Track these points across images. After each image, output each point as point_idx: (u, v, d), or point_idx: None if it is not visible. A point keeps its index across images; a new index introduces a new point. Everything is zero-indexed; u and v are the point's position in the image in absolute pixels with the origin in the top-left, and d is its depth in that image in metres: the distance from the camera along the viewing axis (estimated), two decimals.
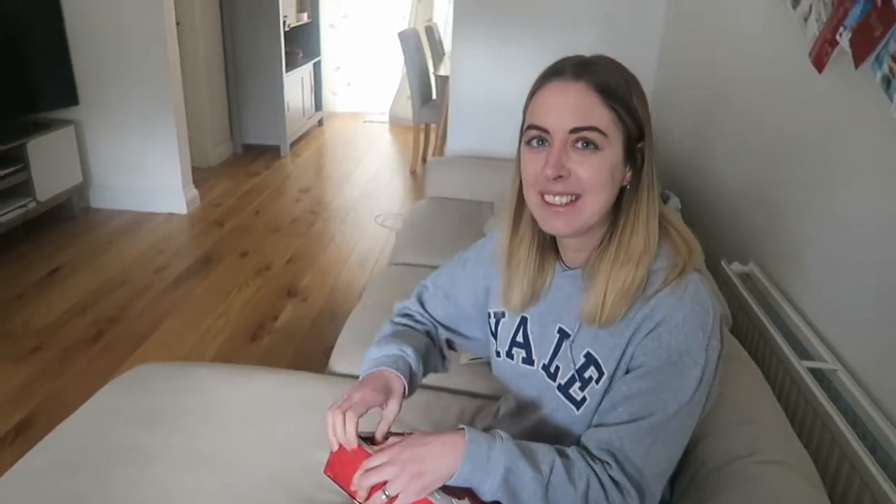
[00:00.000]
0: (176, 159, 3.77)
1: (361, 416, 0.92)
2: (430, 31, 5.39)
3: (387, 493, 0.82)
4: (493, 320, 1.09)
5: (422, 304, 1.20)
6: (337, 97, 6.64)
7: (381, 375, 1.01)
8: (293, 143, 5.34)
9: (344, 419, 0.89)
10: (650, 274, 0.89)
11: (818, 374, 1.33)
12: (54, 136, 3.45)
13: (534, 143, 0.90)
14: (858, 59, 1.21)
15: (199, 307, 2.84)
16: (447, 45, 5.56)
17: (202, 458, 1.32)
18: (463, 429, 0.86)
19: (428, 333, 1.17)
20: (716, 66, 2.29)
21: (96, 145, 3.77)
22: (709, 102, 2.31)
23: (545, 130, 0.88)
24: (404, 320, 1.19)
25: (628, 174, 0.91)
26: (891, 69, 1.13)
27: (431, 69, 5.08)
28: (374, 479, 0.83)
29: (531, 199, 0.92)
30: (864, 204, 1.31)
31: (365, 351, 1.77)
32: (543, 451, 0.86)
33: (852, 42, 1.24)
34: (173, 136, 3.72)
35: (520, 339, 1.04)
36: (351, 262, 3.37)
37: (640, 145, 0.91)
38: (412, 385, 1.03)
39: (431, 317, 1.19)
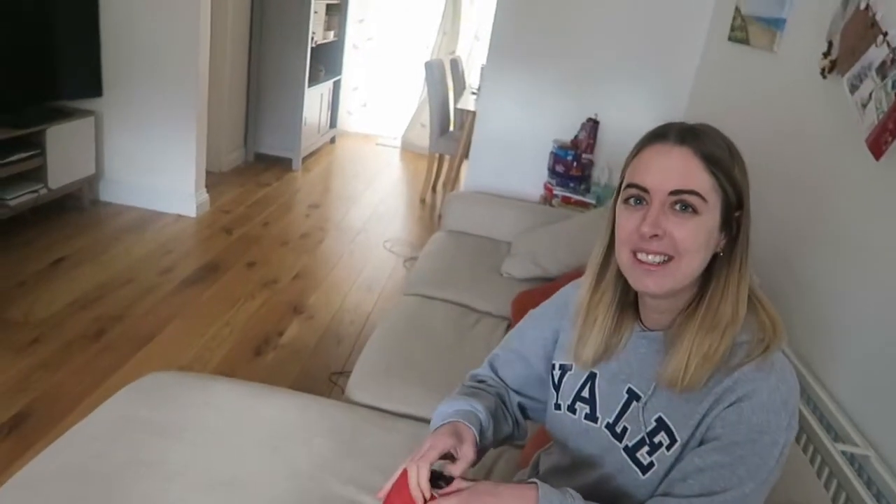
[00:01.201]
0: (191, 161, 3.75)
1: (433, 463, 0.90)
2: (455, 63, 5.45)
3: None
4: (557, 371, 1.08)
5: (493, 370, 1.20)
6: (352, 117, 6.66)
7: (451, 425, 1.00)
8: (305, 158, 5.34)
9: (417, 470, 0.88)
10: (734, 346, 0.88)
11: (850, 459, 1.32)
12: (74, 126, 3.43)
13: (632, 201, 0.91)
14: None
15: (203, 314, 2.80)
16: (468, 78, 5.63)
17: (221, 480, 1.29)
18: (535, 483, 0.85)
19: (499, 396, 1.15)
20: (750, 135, 2.32)
21: (113, 139, 3.75)
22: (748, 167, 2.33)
23: (645, 190, 0.89)
24: (475, 383, 1.18)
25: (723, 241, 0.91)
26: None
27: (452, 101, 5.12)
28: None
29: (623, 256, 0.92)
30: None
31: (386, 380, 1.78)
32: None
33: None
34: (192, 139, 3.71)
35: (585, 394, 1.02)
36: (359, 285, 3.34)
37: (737, 214, 0.91)
38: (482, 440, 1.01)
39: (503, 381, 1.18)
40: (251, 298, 3.01)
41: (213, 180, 4.38)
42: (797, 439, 1.46)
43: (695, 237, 0.87)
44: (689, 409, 0.89)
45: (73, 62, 3.44)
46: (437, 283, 2.39)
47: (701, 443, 0.88)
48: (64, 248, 3.18)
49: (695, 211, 0.87)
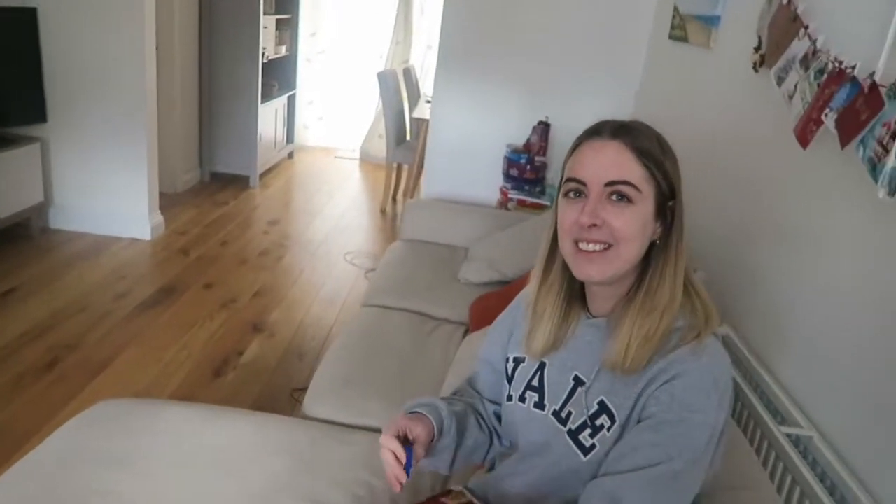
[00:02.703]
0: (143, 183, 3.69)
1: (396, 434, 0.96)
2: (408, 73, 5.46)
3: None
4: (510, 364, 1.11)
5: (471, 384, 1.23)
6: (308, 131, 6.63)
7: (411, 414, 1.05)
8: (262, 174, 5.29)
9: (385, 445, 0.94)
10: (671, 332, 0.92)
11: (794, 441, 1.36)
12: (18, 153, 3.35)
13: (571, 194, 0.97)
14: (844, 141, 1.27)
15: (160, 338, 2.75)
16: (422, 87, 5.65)
17: None
18: None
19: (473, 406, 1.18)
20: (694, 130, 2.37)
21: (61, 164, 3.67)
22: (687, 162, 2.38)
23: (583, 183, 0.94)
24: (450, 395, 1.22)
25: (659, 230, 0.97)
26: (876, 152, 1.18)
27: (407, 110, 5.13)
28: None
29: (565, 247, 0.97)
30: (842, 276, 1.36)
31: (343, 393, 1.77)
32: None
33: (838, 124, 1.30)
34: (143, 160, 3.65)
35: (535, 383, 1.06)
36: (320, 299, 3.32)
37: (670, 204, 0.96)
38: (443, 434, 1.05)
39: (479, 393, 1.20)
40: (209, 320, 2.96)
41: (169, 202, 4.32)
42: (744, 424, 1.50)
43: (631, 225, 0.92)
44: (627, 391, 0.93)
45: (14, 88, 3.37)
46: (395, 293, 2.39)
47: (637, 423, 0.91)
48: (13, 278, 3.10)
49: (630, 200, 0.93)
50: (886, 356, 1.20)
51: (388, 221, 4.68)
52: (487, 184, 3.31)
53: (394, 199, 5.02)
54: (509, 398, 1.09)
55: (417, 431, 0.99)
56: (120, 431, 1.46)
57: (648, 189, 0.94)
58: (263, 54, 4.99)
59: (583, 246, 0.94)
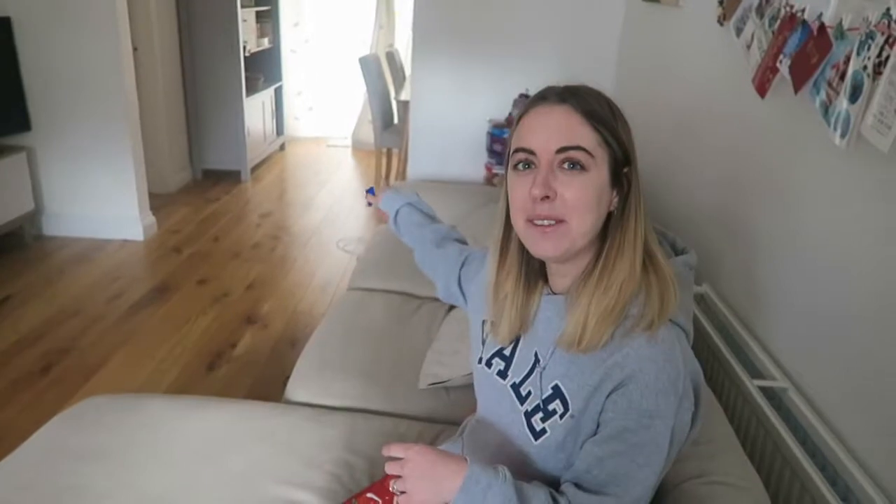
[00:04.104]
0: (132, 185, 3.70)
1: None
2: (392, 56, 5.43)
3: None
4: (487, 326, 1.06)
5: (459, 242, 1.36)
6: (299, 122, 6.62)
7: None
8: (254, 168, 5.29)
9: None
10: (626, 316, 0.87)
11: (769, 393, 1.35)
12: (4, 163, 3.36)
13: (520, 166, 0.90)
14: (797, 86, 1.25)
15: (154, 337, 2.77)
16: (407, 70, 5.61)
17: (153, 497, 1.28)
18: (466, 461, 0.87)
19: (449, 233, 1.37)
20: (670, 92, 2.35)
21: (49, 172, 3.68)
22: (662, 127, 2.36)
23: (531, 152, 0.88)
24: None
25: (615, 199, 0.90)
26: (828, 95, 1.16)
27: (393, 94, 5.10)
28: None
29: (519, 224, 0.92)
30: (811, 226, 1.35)
31: (324, 377, 1.77)
32: (540, 498, 0.84)
33: (791, 69, 1.28)
34: (129, 163, 3.65)
35: (507, 352, 1.02)
36: (313, 287, 3.33)
37: (626, 170, 0.91)
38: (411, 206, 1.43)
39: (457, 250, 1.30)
40: (203, 315, 2.98)
41: (160, 202, 4.33)
42: (714, 378, 1.49)
43: (585, 194, 0.86)
44: (582, 380, 0.89)
45: None
46: (379, 275, 2.39)
47: (597, 426, 0.88)
48: (8, 286, 3.13)
49: (583, 168, 0.87)
50: (856, 305, 1.19)
51: None
52: (472, 161, 3.30)
53: (387, 183, 5.01)
54: (479, 360, 1.06)
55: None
56: (101, 427, 1.47)
57: (602, 154, 0.88)
58: (245, 48, 4.96)
59: (536, 223, 0.88)
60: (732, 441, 1.09)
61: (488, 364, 1.04)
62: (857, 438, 1.15)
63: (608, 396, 0.86)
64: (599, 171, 0.88)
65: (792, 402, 1.31)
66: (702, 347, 1.62)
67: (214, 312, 3.01)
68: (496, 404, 1.02)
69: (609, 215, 0.91)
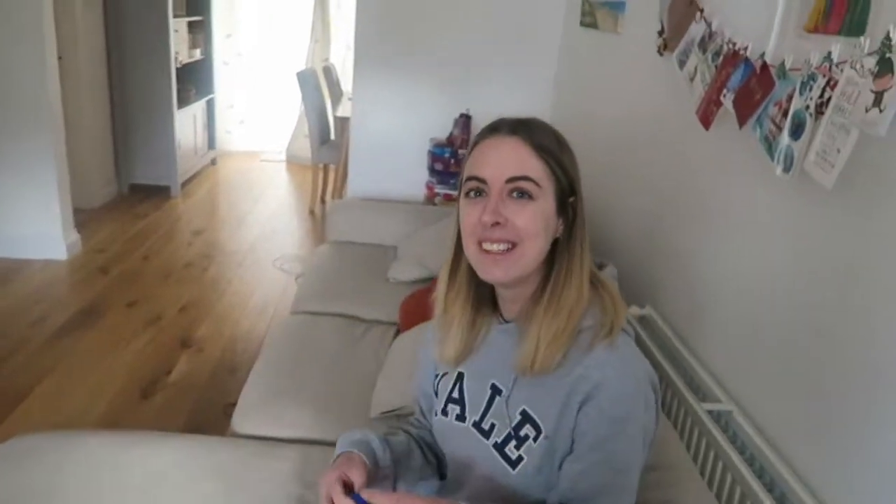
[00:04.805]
0: (55, 202, 3.51)
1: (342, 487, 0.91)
2: (328, 71, 5.38)
3: None
4: (436, 380, 1.09)
5: (419, 415, 1.20)
6: (231, 135, 6.45)
7: (340, 457, 1.00)
8: (184, 183, 5.11)
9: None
10: (579, 332, 0.91)
11: (716, 416, 1.39)
12: None
13: (472, 194, 0.94)
14: (741, 120, 1.31)
15: (83, 363, 2.63)
16: (344, 85, 5.57)
17: None
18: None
19: (421, 437, 1.15)
20: (609, 117, 2.41)
21: None
22: (607, 147, 2.42)
23: (483, 181, 0.92)
24: (401, 424, 1.20)
25: (561, 227, 0.95)
26: (771, 131, 1.22)
27: (330, 109, 5.05)
28: None
29: (470, 248, 0.95)
30: (751, 254, 1.41)
31: (274, 407, 1.72)
32: None
33: (735, 104, 1.34)
34: (52, 177, 3.46)
35: (455, 395, 1.04)
36: (250, 309, 3.24)
37: (571, 200, 0.96)
38: (379, 465, 1.01)
39: (425, 422, 1.18)
40: (134, 339, 2.84)
41: (85, 218, 4.12)
42: (668, 403, 1.53)
43: (534, 222, 0.91)
44: (549, 400, 0.91)
45: None
46: (323, 298, 2.35)
47: (572, 442, 0.90)
48: None
49: (531, 197, 0.91)
50: (792, 330, 1.24)
51: (318, 223, 4.60)
52: (413, 180, 3.29)
53: (322, 200, 4.94)
54: (436, 413, 1.07)
55: (355, 476, 0.93)
56: (34, 468, 1.38)
57: (548, 185, 0.93)
58: (176, 58, 4.81)
59: (487, 246, 0.92)
60: (690, 466, 1.12)
61: (444, 413, 1.05)
62: (800, 459, 1.20)
63: (579, 410, 0.89)
64: (546, 200, 0.93)
65: (738, 423, 1.35)
66: None
67: (147, 337, 2.88)
68: (465, 448, 1.02)
69: (555, 242, 0.96)
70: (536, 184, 0.91)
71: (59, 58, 3.56)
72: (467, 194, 0.95)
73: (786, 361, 1.26)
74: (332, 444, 1.57)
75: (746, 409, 1.37)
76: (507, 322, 1.01)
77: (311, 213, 4.79)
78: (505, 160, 0.92)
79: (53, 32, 3.36)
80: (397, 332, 2.13)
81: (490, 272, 0.93)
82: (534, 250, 0.92)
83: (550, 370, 0.90)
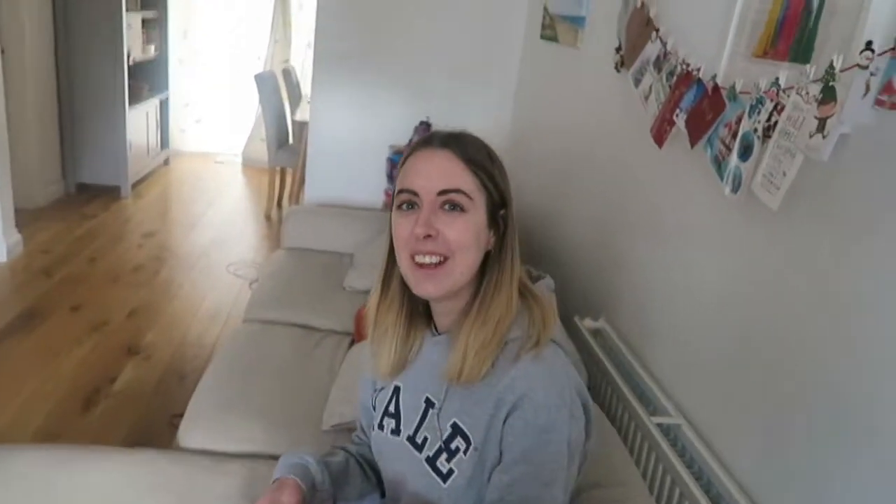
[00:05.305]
0: None
1: None
2: (288, 73, 5.31)
3: None
4: (375, 394, 1.09)
5: (360, 431, 1.20)
6: (186, 135, 6.31)
7: (276, 482, 1.00)
8: (136, 184, 4.98)
9: None
10: (507, 343, 0.93)
11: (665, 429, 1.41)
12: None
13: (404, 206, 0.95)
14: (693, 140, 1.33)
15: (20, 371, 2.52)
16: (304, 88, 5.51)
17: None
18: None
19: (361, 454, 1.15)
20: (566, 128, 2.44)
21: None
22: (564, 159, 2.45)
23: (415, 193, 0.93)
24: (341, 443, 1.20)
25: (492, 239, 0.96)
26: (720, 152, 1.25)
27: (289, 112, 4.98)
28: None
29: (402, 261, 0.95)
30: (701, 270, 1.43)
31: (222, 419, 1.68)
32: None
33: (687, 124, 1.36)
34: None
35: (392, 409, 1.04)
36: (201, 315, 3.16)
37: (502, 213, 0.97)
38: (316, 488, 1.01)
39: (366, 437, 1.17)
40: (77, 345, 2.75)
41: (28, 218, 3.97)
42: (619, 416, 1.55)
43: (465, 234, 0.92)
44: (478, 411, 0.92)
45: None
46: (276, 306, 2.30)
47: (500, 454, 0.90)
48: None
49: (462, 209, 0.93)
50: (739, 345, 1.27)
51: (274, 228, 4.53)
52: (371, 186, 3.26)
53: (279, 204, 4.87)
54: (373, 427, 1.07)
55: (287, 501, 0.94)
56: None
57: (480, 198, 0.94)
58: (129, 55, 4.68)
59: (419, 259, 0.92)
60: (639, 482, 1.13)
61: (381, 427, 1.06)
62: (745, 472, 1.22)
63: (505, 422, 0.89)
64: (478, 213, 0.94)
65: (686, 437, 1.37)
66: (601, 383, 1.67)
67: (91, 343, 2.78)
68: (399, 463, 1.03)
69: (487, 254, 0.97)
70: (468, 196, 0.93)
71: (2, 50, 3.43)
72: (399, 207, 0.95)
73: (732, 376, 1.29)
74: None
75: (694, 422, 1.40)
76: (440, 334, 1.02)
77: (268, 217, 4.72)
78: (437, 173, 0.93)
79: None
80: (352, 342, 2.11)
81: (423, 287, 0.94)
82: (465, 263, 0.93)
83: (478, 379, 0.91)
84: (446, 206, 0.92)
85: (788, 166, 1.04)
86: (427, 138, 0.97)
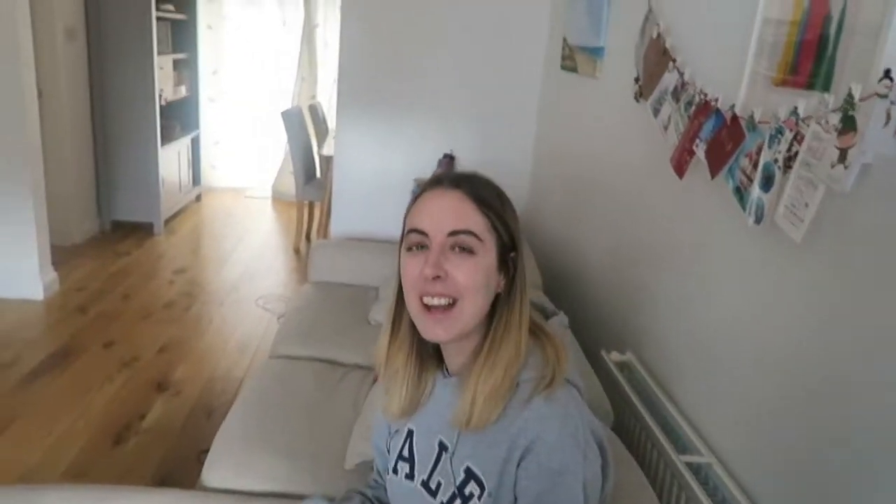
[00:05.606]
0: (32, 239, 3.46)
1: None
2: (314, 109, 5.40)
3: None
4: (389, 437, 1.08)
5: (377, 469, 1.19)
6: (217, 171, 6.44)
7: None
8: (168, 220, 5.08)
9: None
10: (519, 384, 0.91)
11: (695, 468, 1.37)
12: None
13: (414, 248, 0.93)
14: (713, 171, 1.31)
15: (53, 408, 2.56)
16: (331, 122, 5.59)
17: None
18: None
19: (377, 499, 1.14)
20: (589, 162, 2.43)
21: None
22: (585, 189, 2.43)
23: (424, 234, 0.92)
24: (356, 489, 1.19)
25: (502, 282, 0.95)
26: (742, 182, 1.22)
27: (315, 147, 5.06)
28: None
29: (411, 303, 0.94)
30: (727, 302, 1.40)
31: (246, 457, 1.67)
32: None
33: (707, 154, 1.34)
34: (29, 215, 3.42)
35: (406, 453, 1.03)
36: (230, 349, 3.19)
37: (512, 255, 0.95)
38: None
39: (382, 480, 1.16)
40: (109, 382, 2.78)
41: (64, 255, 4.07)
42: (643, 451, 1.50)
43: (475, 276, 0.90)
44: (492, 455, 0.90)
45: None
46: (301, 341, 2.31)
47: (515, 499, 0.88)
48: None
49: (472, 251, 0.91)
50: (773, 381, 1.23)
51: (302, 261, 4.57)
52: (396, 220, 3.21)
53: (307, 237, 4.92)
54: (388, 471, 1.06)
55: None
56: None
57: (490, 239, 0.92)
58: (161, 95, 4.82)
59: (427, 301, 0.91)
60: None
61: (395, 471, 1.04)
62: None
63: (519, 465, 0.87)
64: (488, 255, 0.92)
65: (717, 476, 1.33)
66: (628, 419, 1.63)
67: (122, 379, 2.82)
68: None
69: (496, 297, 0.95)
70: (478, 238, 0.91)
71: (40, 93, 3.56)
72: (409, 247, 0.94)
73: (764, 412, 1.24)
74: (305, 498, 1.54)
75: (726, 461, 1.35)
76: (450, 376, 1.00)
77: (296, 251, 4.77)
78: (447, 213, 0.91)
79: (33, 68, 3.36)
80: (376, 377, 2.10)
81: (431, 331, 0.93)
82: (474, 306, 0.91)
83: (488, 425, 0.89)
84: (456, 248, 0.91)
85: (811, 197, 1.01)
86: (437, 178, 0.96)
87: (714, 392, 1.43)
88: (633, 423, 1.61)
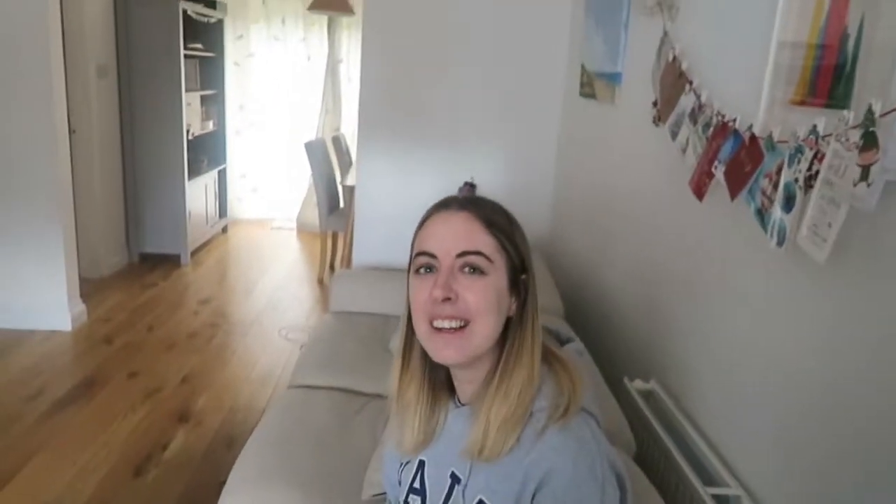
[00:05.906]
0: (61, 272, 3.53)
1: None
2: (338, 140, 5.48)
3: None
4: (400, 468, 1.05)
5: (389, 501, 1.15)
6: (242, 203, 6.54)
7: None
8: (195, 252, 5.15)
9: None
10: (533, 413, 0.88)
11: (722, 500, 1.31)
12: None
13: (422, 270, 0.92)
14: (733, 193, 1.28)
15: (76, 439, 2.57)
16: (353, 154, 5.66)
17: None
18: None
19: None
20: (610, 188, 2.40)
21: None
22: (607, 215, 2.40)
23: (433, 256, 0.90)
24: None
25: (514, 305, 0.93)
26: (763, 203, 1.19)
27: (339, 178, 5.12)
28: None
29: (421, 328, 0.91)
30: (751, 327, 1.36)
31: (262, 489, 1.65)
32: None
33: (726, 175, 1.31)
34: (59, 248, 3.50)
35: (417, 485, 1.00)
36: (252, 379, 3.19)
37: (523, 277, 0.93)
38: None
39: None
40: (132, 412, 2.80)
41: (92, 288, 4.14)
42: (667, 482, 1.45)
43: (486, 297, 0.88)
44: (505, 488, 0.86)
45: None
46: (321, 371, 2.29)
47: None
48: None
49: (482, 272, 0.89)
50: (797, 409, 1.18)
51: (326, 292, 4.59)
52: None
53: (331, 268, 4.95)
54: (398, 502, 1.03)
55: None
56: None
57: (500, 260, 0.91)
58: (189, 131, 4.93)
59: (437, 324, 0.89)
60: None
61: (406, 503, 1.01)
62: None
63: (533, 498, 0.84)
64: (498, 276, 0.91)
65: None
66: (652, 449, 1.58)
67: (145, 410, 2.83)
68: None
69: (508, 321, 0.93)
70: (488, 258, 0.90)
71: (73, 131, 3.66)
72: (417, 271, 0.92)
73: (794, 442, 1.19)
74: None
75: (754, 493, 1.30)
76: (462, 405, 0.97)
77: (320, 281, 4.79)
78: (455, 234, 0.90)
79: (65, 107, 3.46)
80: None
81: (442, 353, 0.90)
82: (486, 328, 0.89)
83: (501, 455, 0.86)
84: (466, 269, 0.89)
85: (834, 217, 0.98)
86: (445, 201, 0.95)
87: (741, 419, 1.38)
88: (657, 454, 1.56)
